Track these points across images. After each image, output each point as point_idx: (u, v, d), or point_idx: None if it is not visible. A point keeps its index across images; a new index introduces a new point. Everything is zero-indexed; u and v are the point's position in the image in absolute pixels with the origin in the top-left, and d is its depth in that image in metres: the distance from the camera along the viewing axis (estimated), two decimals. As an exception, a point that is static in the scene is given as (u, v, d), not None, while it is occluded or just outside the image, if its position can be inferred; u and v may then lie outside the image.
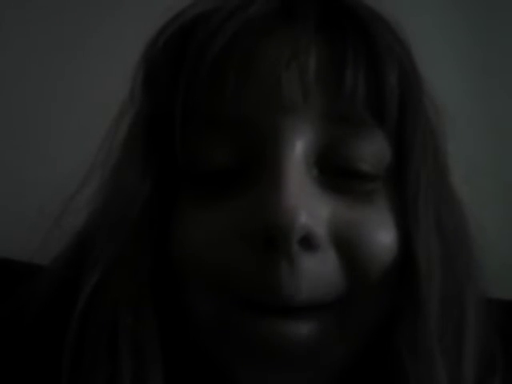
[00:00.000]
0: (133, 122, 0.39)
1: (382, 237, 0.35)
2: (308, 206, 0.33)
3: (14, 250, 0.50)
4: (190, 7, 0.39)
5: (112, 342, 0.34)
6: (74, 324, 0.34)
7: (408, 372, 0.34)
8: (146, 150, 0.37)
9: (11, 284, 0.41)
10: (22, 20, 0.70)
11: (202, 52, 0.36)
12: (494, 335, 0.39)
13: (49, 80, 0.68)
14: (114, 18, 0.68)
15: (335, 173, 0.35)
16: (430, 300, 0.35)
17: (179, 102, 0.36)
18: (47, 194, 0.43)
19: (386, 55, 0.36)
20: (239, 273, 0.34)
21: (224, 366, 0.36)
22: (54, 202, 0.41)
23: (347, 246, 0.34)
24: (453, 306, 0.36)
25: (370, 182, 0.36)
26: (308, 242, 0.33)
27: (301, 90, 0.35)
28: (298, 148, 0.34)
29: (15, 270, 0.51)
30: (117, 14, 0.68)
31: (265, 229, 0.33)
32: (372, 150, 0.36)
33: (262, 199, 0.33)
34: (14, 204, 0.63)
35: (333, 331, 0.35)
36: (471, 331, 0.37)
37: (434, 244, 0.36)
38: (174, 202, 0.37)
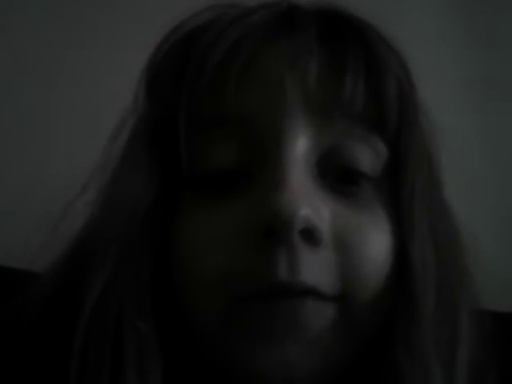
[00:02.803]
0: (135, 128, 0.40)
1: (378, 241, 0.36)
2: (310, 202, 0.34)
3: (12, 257, 0.50)
4: (193, 16, 0.40)
5: (117, 341, 0.34)
6: (82, 324, 0.34)
7: (405, 375, 0.35)
8: (149, 154, 0.38)
9: (8, 291, 0.41)
10: (24, 20, 0.70)
11: (205, 57, 0.37)
12: (487, 346, 0.40)
13: (49, 83, 0.68)
14: (116, 20, 0.69)
15: (334, 176, 0.36)
16: (425, 303, 0.35)
17: (183, 107, 0.37)
18: (45, 200, 0.43)
19: (384, 67, 0.38)
20: (240, 268, 0.34)
21: (227, 361, 0.36)
22: (52, 208, 0.41)
23: (344, 249, 0.35)
24: (447, 312, 0.37)
25: (367, 185, 0.37)
26: (310, 235, 0.34)
27: (302, 92, 0.36)
28: (300, 148, 0.35)
29: (12, 277, 0.51)
30: (119, 15, 0.69)
31: (266, 220, 0.33)
32: (370, 153, 0.37)
33: (264, 195, 0.34)
34: (11, 211, 0.63)
35: (332, 320, 0.35)
36: (465, 339, 0.37)
37: (428, 249, 0.37)
38: (176, 206, 0.37)
